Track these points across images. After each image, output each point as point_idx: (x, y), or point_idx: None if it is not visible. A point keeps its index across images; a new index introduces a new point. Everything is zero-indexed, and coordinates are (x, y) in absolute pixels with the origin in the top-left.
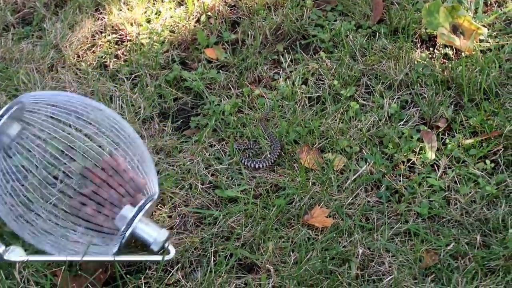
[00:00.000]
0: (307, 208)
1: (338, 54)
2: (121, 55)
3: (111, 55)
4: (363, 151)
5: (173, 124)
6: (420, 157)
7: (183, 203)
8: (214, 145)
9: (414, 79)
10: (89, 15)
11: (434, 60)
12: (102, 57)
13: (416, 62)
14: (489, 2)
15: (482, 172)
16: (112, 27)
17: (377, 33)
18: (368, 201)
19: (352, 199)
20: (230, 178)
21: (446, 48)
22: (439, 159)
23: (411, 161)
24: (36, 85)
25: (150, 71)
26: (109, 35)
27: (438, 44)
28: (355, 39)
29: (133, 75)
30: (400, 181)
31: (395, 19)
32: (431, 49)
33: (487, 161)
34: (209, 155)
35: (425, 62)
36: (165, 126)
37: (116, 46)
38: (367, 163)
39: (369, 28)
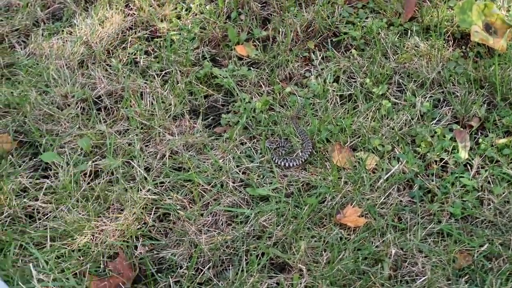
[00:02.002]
0: (339, 207)
1: (370, 51)
2: (152, 52)
3: (141, 51)
4: (396, 150)
5: (204, 121)
6: (453, 157)
7: (215, 201)
8: (245, 143)
9: (446, 78)
10: (119, 11)
11: (466, 58)
12: (132, 53)
13: (448, 61)
14: None
15: None
16: (142, 23)
17: (409, 31)
18: (401, 201)
19: (384, 199)
20: (261, 177)
21: (479, 46)
22: (472, 159)
23: (444, 161)
24: (66, 81)
25: (180, 68)
26: (139, 32)
27: (470, 43)
28: (387, 36)
29: (163, 72)
30: (432, 180)
31: (427, 16)
32: (463, 47)
33: None
34: (240, 153)
35: (458, 61)
36: (196, 123)
37: (147, 42)
38: (400, 162)
39: (401, 25)
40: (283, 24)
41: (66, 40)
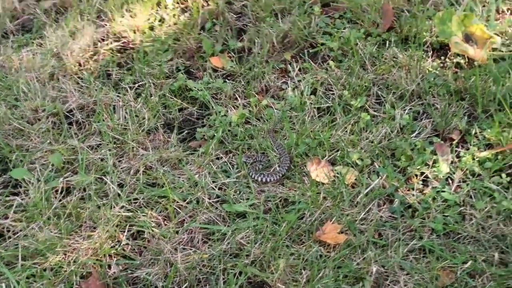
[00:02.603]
0: (319, 224)
1: (348, 63)
2: (124, 64)
3: (113, 63)
4: (375, 164)
5: (178, 135)
6: (434, 170)
7: (190, 218)
8: (221, 158)
9: (426, 89)
10: (90, 22)
11: (446, 69)
12: (104, 65)
13: (427, 72)
14: (501, 10)
15: (498, 186)
16: (115, 34)
17: (387, 41)
18: (381, 216)
19: (364, 214)
20: (238, 192)
21: (459, 57)
22: (453, 173)
23: (425, 175)
24: (37, 94)
25: (154, 80)
26: (111, 43)
27: (450, 53)
28: (365, 47)
29: (136, 85)
30: (413, 195)
31: (405, 27)
32: (442, 57)
33: (503, 175)
34: (216, 168)
35: (437, 72)
36: (170, 138)
37: (119, 54)
38: (379, 177)
39: (379, 36)
40: (259, 35)
41: (36, 52)
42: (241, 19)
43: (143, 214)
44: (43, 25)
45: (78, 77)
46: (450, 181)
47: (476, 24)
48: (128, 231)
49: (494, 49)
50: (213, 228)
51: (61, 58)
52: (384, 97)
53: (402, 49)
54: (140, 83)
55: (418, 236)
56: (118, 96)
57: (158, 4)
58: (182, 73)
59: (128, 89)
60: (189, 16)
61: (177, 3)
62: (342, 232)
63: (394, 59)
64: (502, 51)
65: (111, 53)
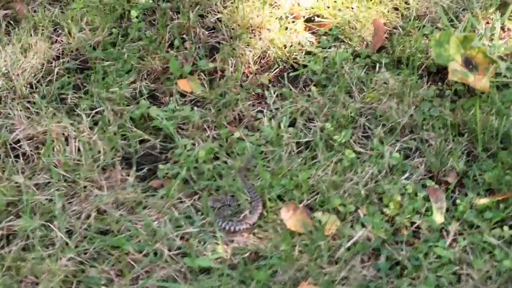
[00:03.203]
0: (292, 284)
1: (332, 89)
2: (81, 86)
3: (69, 85)
4: (359, 211)
5: (138, 172)
6: (426, 220)
7: (147, 274)
8: (185, 201)
9: (419, 122)
10: (45, 37)
11: (443, 98)
12: (59, 88)
13: (422, 101)
14: (506, 28)
15: (499, 240)
16: (72, 51)
17: (378, 64)
18: (365, 275)
19: (346, 272)
20: (202, 243)
21: (457, 83)
22: (449, 224)
23: (416, 225)
24: None
25: (113, 106)
26: (68, 62)
27: (448, 78)
28: (352, 70)
29: (93, 111)
30: (402, 250)
31: (398, 47)
32: (439, 83)
33: (505, 227)
34: (178, 213)
35: (433, 101)
36: (129, 175)
37: (76, 74)
38: (364, 227)
39: (368, 57)
40: (233, 54)
41: None
42: (214, 35)
43: (93, 267)
44: None
45: (28, 101)
46: (445, 234)
47: (478, 47)
48: (76, 287)
49: (498, 74)
50: (172, 287)
51: (10, 78)
52: (371, 130)
53: (394, 73)
54: (98, 109)
55: None
56: (72, 124)
57: (121, 17)
58: (145, 99)
59: (84, 116)
60: (156, 31)
61: (144, 14)
62: None
63: (385, 84)
64: (507, 77)
65: (67, 73)
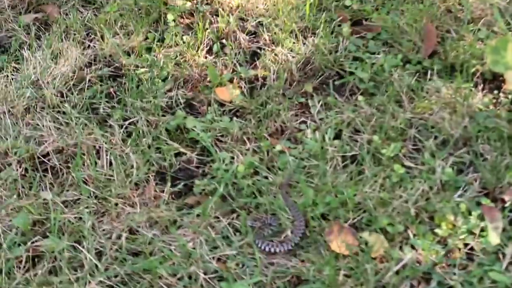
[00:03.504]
0: None
1: (380, 98)
2: (114, 95)
3: (101, 94)
4: (409, 231)
5: (173, 188)
6: (481, 242)
7: None
8: (222, 220)
9: (474, 134)
10: (76, 42)
11: (499, 107)
12: (90, 97)
13: (477, 111)
14: None
15: None
16: (105, 57)
17: (429, 70)
18: None
19: None
20: (240, 266)
21: None
22: (505, 245)
23: (469, 246)
24: (8, 132)
25: (147, 117)
26: (100, 69)
27: (504, 86)
28: (402, 78)
29: (127, 122)
30: (455, 274)
31: (451, 52)
32: (495, 91)
33: None
34: (215, 233)
35: (488, 111)
36: (163, 191)
37: (109, 82)
38: (414, 249)
39: (419, 63)
40: (276, 60)
41: (12, 79)
42: (255, 40)
43: None
44: (22, 45)
45: (58, 111)
46: (501, 256)
47: None
48: None
49: None
50: None
51: (40, 86)
52: (422, 143)
53: (447, 80)
54: (131, 119)
55: None
56: (104, 136)
57: (157, 21)
58: (181, 109)
59: (116, 127)
60: (194, 35)
61: (181, 17)
62: None
63: (437, 93)
64: None
65: (100, 81)
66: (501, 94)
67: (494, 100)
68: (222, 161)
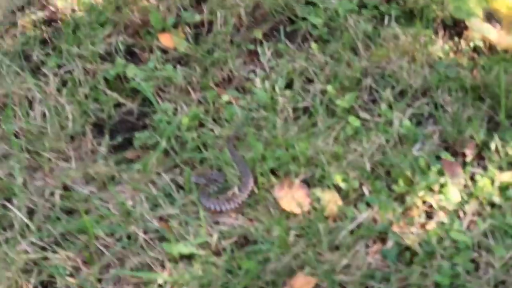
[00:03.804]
0: (287, 274)
1: (334, 45)
2: (49, 41)
3: (35, 40)
4: (364, 187)
5: (112, 141)
6: (441, 199)
7: (119, 262)
8: (164, 176)
9: (434, 84)
10: None
11: (460, 56)
12: (23, 43)
13: (437, 59)
14: None
15: None
16: (39, 1)
17: (387, 16)
18: (370, 263)
19: (348, 260)
20: (184, 225)
21: (477, 39)
22: (466, 203)
23: (428, 204)
24: None
25: (84, 65)
26: (34, 13)
27: (466, 32)
28: (358, 23)
29: (62, 70)
30: (412, 233)
31: None
32: (456, 38)
33: None
34: (156, 190)
35: (449, 60)
36: (100, 145)
37: (43, 27)
38: (369, 207)
39: (376, 8)
40: (223, 5)
41: None
42: None
43: (57, 253)
44: None
45: None
46: (462, 214)
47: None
48: (37, 277)
49: None
50: (147, 277)
51: None
52: (379, 94)
53: (405, 27)
54: (67, 68)
55: None
56: (37, 85)
57: None
58: (121, 56)
59: (51, 76)
60: None
61: None
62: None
63: (395, 40)
64: None
65: (33, 26)
66: (462, 42)
67: (455, 48)
68: (164, 112)
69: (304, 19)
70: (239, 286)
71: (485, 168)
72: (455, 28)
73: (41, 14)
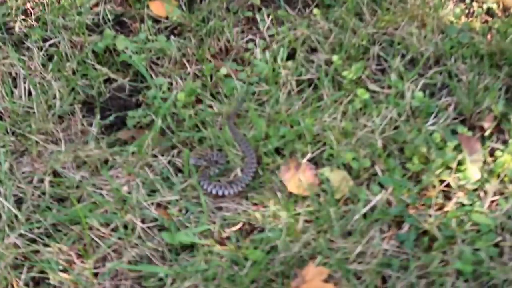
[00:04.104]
0: (297, 264)
1: (338, 10)
2: (31, 11)
3: (17, 11)
4: (376, 166)
5: (103, 120)
6: (459, 177)
7: (116, 254)
8: (161, 159)
9: (446, 51)
10: None
11: (472, 19)
12: (4, 14)
13: (448, 24)
14: None
15: None
16: None
17: None
18: (385, 250)
19: (362, 247)
20: (183, 212)
21: (490, 1)
22: (486, 181)
23: (445, 183)
24: None
25: (71, 37)
26: None
27: None
28: None
29: (47, 43)
30: (430, 215)
31: None
32: (467, 0)
33: None
34: (154, 174)
35: (461, 24)
36: (91, 125)
37: None
38: (383, 188)
39: None
40: None
41: None
42: None
43: (48, 246)
44: None
45: None
46: (483, 194)
47: None
48: (27, 273)
49: None
50: (147, 270)
51: None
52: (388, 63)
53: None
54: (52, 40)
55: (439, 283)
56: (20, 60)
57: None
58: (110, 28)
59: (35, 50)
60: None
61: None
62: (330, 279)
63: (402, 4)
64: None
65: None
66: (474, 4)
67: (467, 11)
68: (158, 88)
69: None
70: (247, 279)
71: (505, 143)
72: None
73: None
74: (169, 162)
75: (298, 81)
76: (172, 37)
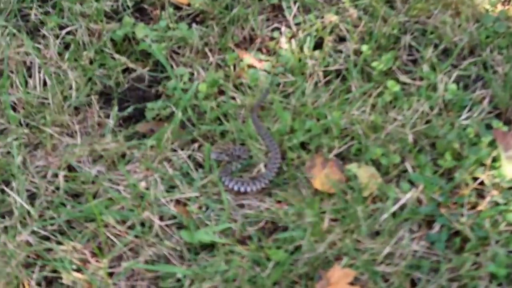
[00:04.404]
0: (321, 266)
1: None
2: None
3: None
4: (407, 163)
5: (121, 112)
6: (493, 175)
7: (132, 253)
8: (181, 153)
9: (482, 41)
10: None
11: (509, 6)
12: (19, 1)
13: (483, 12)
14: None
15: None
16: None
17: None
18: (415, 251)
19: (390, 248)
20: (204, 210)
21: None
22: None
23: (479, 181)
24: None
25: (89, 25)
26: None
27: None
28: None
29: (64, 31)
30: (462, 215)
31: None
32: None
33: None
34: (173, 169)
35: (497, 13)
36: (108, 117)
37: None
38: (413, 186)
39: None
40: None
41: None
42: None
43: (61, 244)
44: None
45: None
46: None
47: None
48: (39, 272)
49: None
50: (164, 270)
51: None
52: (420, 53)
53: None
54: (69, 28)
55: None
56: (36, 48)
57: None
58: (129, 15)
59: (51, 38)
60: None
61: None
62: (357, 281)
63: None
64: None
65: None
66: None
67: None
68: (179, 78)
69: None
70: (269, 281)
71: None
72: None
73: None
74: (189, 156)
75: (325, 72)
76: (194, 25)
